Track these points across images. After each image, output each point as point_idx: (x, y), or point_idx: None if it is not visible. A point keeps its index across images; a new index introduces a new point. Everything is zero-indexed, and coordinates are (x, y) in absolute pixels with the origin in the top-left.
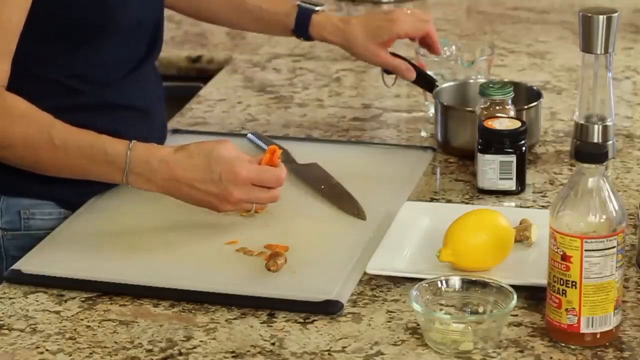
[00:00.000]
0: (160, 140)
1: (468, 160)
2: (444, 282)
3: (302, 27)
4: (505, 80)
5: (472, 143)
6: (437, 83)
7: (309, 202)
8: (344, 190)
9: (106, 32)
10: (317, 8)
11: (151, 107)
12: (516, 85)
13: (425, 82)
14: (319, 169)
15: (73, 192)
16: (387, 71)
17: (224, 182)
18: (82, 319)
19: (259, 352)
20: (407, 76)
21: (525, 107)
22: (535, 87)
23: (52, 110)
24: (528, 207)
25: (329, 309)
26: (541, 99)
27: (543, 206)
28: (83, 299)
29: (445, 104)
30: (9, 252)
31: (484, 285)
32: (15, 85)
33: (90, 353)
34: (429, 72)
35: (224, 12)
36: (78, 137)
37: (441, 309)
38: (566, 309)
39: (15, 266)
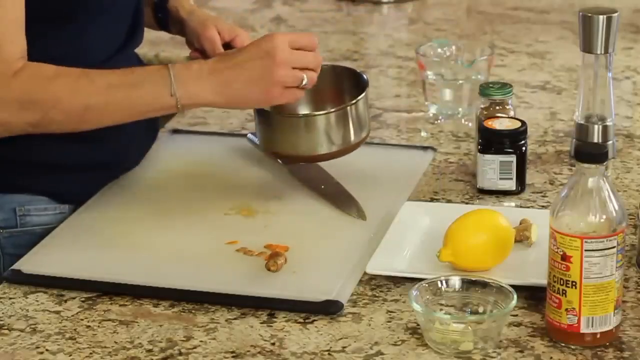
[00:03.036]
0: (150, 135)
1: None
2: (444, 282)
3: None
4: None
5: (300, 149)
6: None
7: (309, 202)
8: (344, 190)
9: (85, 11)
10: None
11: None
12: (339, 71)
13: None
14: (319, 169)
15: (67, 187)
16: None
17: (265, 48)
18: (82, 319)
19: (259, 352)
20: None
21: (352, 102)
22: (364, 76)
23: None
24: (528, 207)
25: (329, 309)
26: (367, 89)
27: (543, 206)
28: (83, 299)
29: (265, 109)
30: (6, 250)
31: (484, 285)
32: None
33: (90, 353)
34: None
35: None
36: (117, 72)
37: (441, 309)
38: (566, 309)
39: (15, 266)
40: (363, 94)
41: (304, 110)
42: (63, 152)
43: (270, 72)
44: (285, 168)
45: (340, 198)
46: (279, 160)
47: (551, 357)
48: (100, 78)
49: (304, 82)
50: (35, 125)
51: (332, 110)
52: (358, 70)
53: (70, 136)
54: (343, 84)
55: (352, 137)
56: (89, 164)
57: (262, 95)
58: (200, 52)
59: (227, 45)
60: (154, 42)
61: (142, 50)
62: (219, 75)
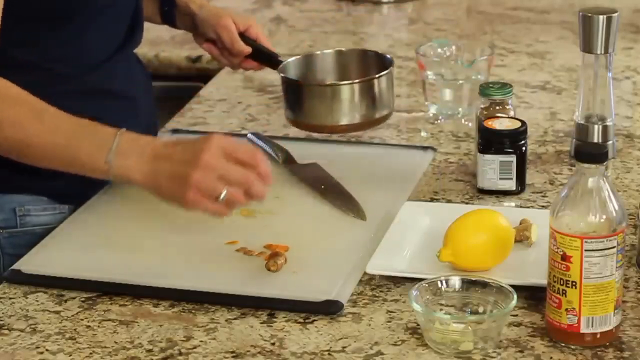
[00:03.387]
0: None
1: (319, 134)
2: (444, 282)
3: None
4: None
5: (322, 117)
6: (280, 59)
7: (309, 202)
8: (344, 190)
9: (84, 12)
10: None
11: (136, 96)
12: (365, 53)
13: (266, 59)
14: (319, 169)
15: (67, 186)
16: None
17: (197, 146)
18: (82, 319)
19: (259, 352)
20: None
21: (377, 75)
22: (388, 56)
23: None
24: (528, 207)
25: (329, 309)
26: (392, 68)
27: (543, 206)
28: (83, 299)
29: (290, 77)
30: (6, 250)
31: (484, 285)
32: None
33: (90, 353)
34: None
35: None
36: (71, 119)
37: (441, 309)
38: (566, 309)
39: (15, 266)
40: (387, 71)
41: None
42: None
43: (187, 173)
44: (285, 168)
45: (340, 198)
46: (303, 130)
47: (551, 357)
48: (51, 120)
49: (221, 197)
50: None
51: (357, 81)
52: (382, 53)
53: None
54: (369, 65)
55: (375, 112)
56: None
57: (178, 194)
58: (213, 43)
59: (242, 36)
60: (154, 42)
61: (142, 50)
62: (154, 159)
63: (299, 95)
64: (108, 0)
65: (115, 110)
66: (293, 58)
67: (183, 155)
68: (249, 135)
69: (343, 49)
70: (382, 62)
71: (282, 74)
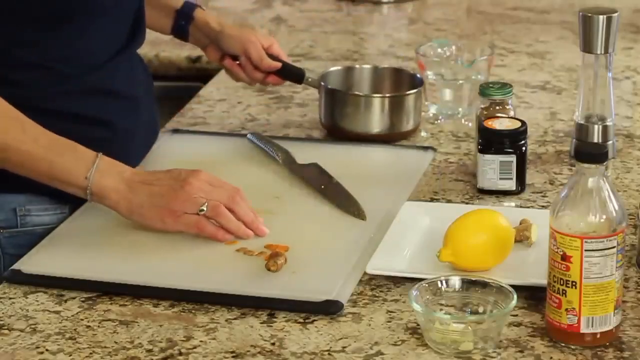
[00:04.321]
0: (150, 136)
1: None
2: (444, 282)
3: (189, 6)
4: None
5: (358, 126)
6: (307, 75)
7: (309, 202)
8: (344, 190)
9: (86, 12)
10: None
11: (138, 95)
12: (398, 71)
13: (293, 75)
14: (319, 169)
15: None
16: None
17: (183, 174)
18: (82, 319)
19: (259, 352)
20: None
21: (407, 92)
22: (418, 76)
23: (39, 97)
24: (528, 207)
25: (329, 309)
26: (422, 87)
27: (543, 206)
28: (83, 299)
29: (330, 87)
30: (6, 250)
31: (484, 285)
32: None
33: (90, 353)
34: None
35: None
36: (50, 135)
37: (441, 309)
38: (566, 309)
39: (15, 266)
40: (415, 90)
41: None
42: None
43: (174, 192)
44: (285, 168)
45: (340, 198)
46: (333, 135)
47: (551, 357)
48: (32, 130)
49: (202, 207)
50: None
51: (388, 95)
52: (414, 72)
53: (72, 137)
54: (402, 83)
55: (403, 124)
56: None
57: (159, 213)
58: (234, 58)
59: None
60: (154, 42)
61: (142, 50)
62: (133, 183)
63: (336, 103)
64: (110, 1)
65: (116, 109)
66: (333, 69)
67: (167, 180)
68: (249, 135)
69: (379, 65)
70: (413, 81)
71: (322, 82)
